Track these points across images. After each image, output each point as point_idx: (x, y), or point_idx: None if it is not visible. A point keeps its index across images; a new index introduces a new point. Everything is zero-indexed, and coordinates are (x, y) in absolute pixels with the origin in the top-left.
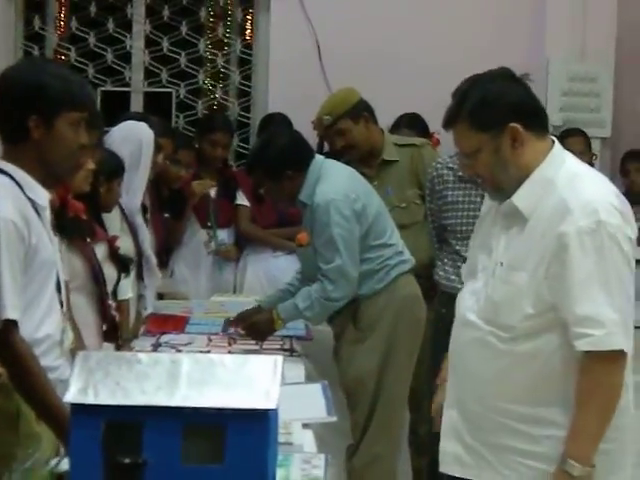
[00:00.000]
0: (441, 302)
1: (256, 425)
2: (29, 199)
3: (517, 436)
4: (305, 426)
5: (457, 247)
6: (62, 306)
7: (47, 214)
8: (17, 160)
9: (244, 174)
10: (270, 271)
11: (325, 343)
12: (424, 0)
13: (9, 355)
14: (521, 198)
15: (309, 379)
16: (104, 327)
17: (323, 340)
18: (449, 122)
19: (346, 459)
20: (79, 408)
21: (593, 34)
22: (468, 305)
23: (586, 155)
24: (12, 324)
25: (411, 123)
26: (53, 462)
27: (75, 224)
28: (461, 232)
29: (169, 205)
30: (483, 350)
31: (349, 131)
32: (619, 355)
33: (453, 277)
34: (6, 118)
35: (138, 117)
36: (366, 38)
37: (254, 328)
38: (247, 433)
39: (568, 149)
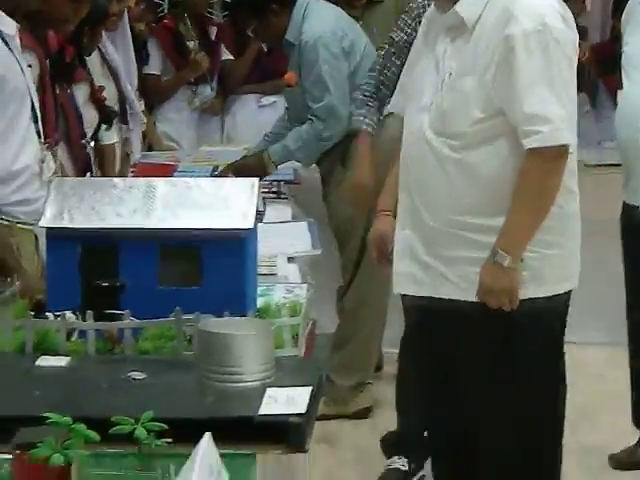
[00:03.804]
0: None
1: (232, 245)
2: None
3: (473, 246)
4: (290, 260)
5: None
6: (40, 137)
7: (16, 42)
8: None
9: (225, 27)
10: (257, 121)
11: (313, 187)
12: None
13: None
14: (464, 6)
15: (296, 220)
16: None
17: (311, 184)
18: None
19: (337, 300)
20: (55, 232)
21: None
22: (417, 121)
23: None
24: None
25: None
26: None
27: (67, 70)
28: None
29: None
30: (436, 163)
31: None
32: (563, 152)
33: None
34: None
35: None
36: None
37: (245, 172)
38: (224, 254)
39: None
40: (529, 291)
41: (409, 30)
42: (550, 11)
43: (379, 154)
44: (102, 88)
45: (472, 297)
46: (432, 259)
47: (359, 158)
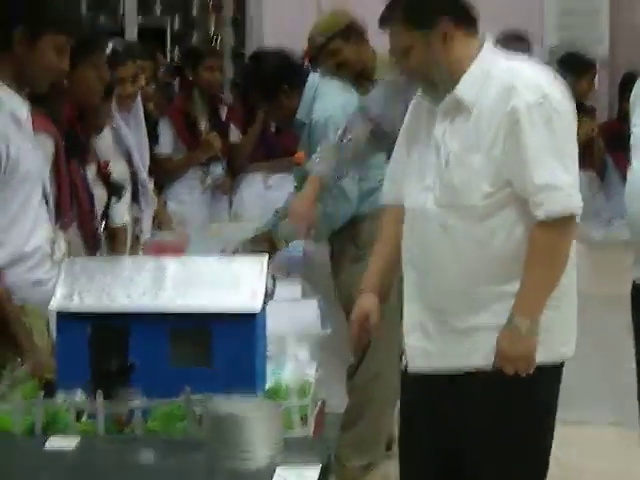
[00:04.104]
0: None
1: (242, 327)
2: (8, 111)
3: (480, 314)
4: (300, 339)
5: None
6: (52, 218)
7: (28, 126)
8: None
9: (235, 107)
10: (264, 200)
11: (322, 264)
12: None
13: None
14: (463, 90)
15: (305, 298)
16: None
17: (320, 261)
18: (384, 21)
19: (347, 379)
20: (65, 314)
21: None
22: (420, 200)
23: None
24: None
25: None
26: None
27: (79, 147)
28: None
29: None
30: (445, 235)
31: (340, 51)
32: (574, 217)
33: None
34: None
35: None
36: None
37: (255, 249)
38: (233, 335)
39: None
40: (539, 355)
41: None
42: (549, 84)
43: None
44: (107, 163)
45: (481, 363)
46: (442, 331)
47: (304, 194)
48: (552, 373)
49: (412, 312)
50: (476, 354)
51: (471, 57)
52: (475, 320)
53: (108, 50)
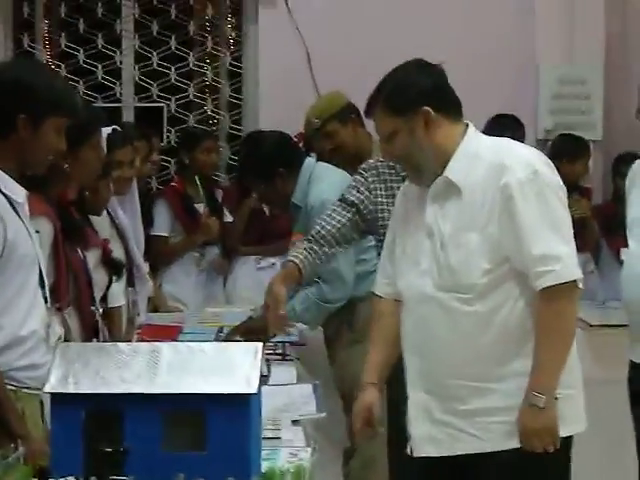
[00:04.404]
0: None
1: (237, 410)
2: (5, 196)
3: (487, 396)
4: (294, 423)
5: None
6: (46, 301)
7: (25, 210)
8: None
9: (230, 190)
10: (256, 282)
11: (318, 348)
12: (412, 7)
13: None
14: (452, 171)
15: (301, 382)
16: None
17: (316, 345)
18: (369, 110)
19: (343, 463)
20: (59, 397)
21: (582, 36)
22: (418, 285)
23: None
24: None
25: None
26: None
27: (74, 231)
28: None
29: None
30: (447, 318)
31: (337, 133)
32: (575, 286)
33: None
34: None
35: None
36: (356, 47)
37: (251, 334)
38: (228, 419)
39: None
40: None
41: (363, 189)
42: (538, 160)
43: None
44: (107, 241)
45: (492, 448)
46: (449, 416)
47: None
48: (564, 445)
49: (416, 399)
50: (488, 436)
51: (456, 141)
52: (483, 403)
53: (106, 132)
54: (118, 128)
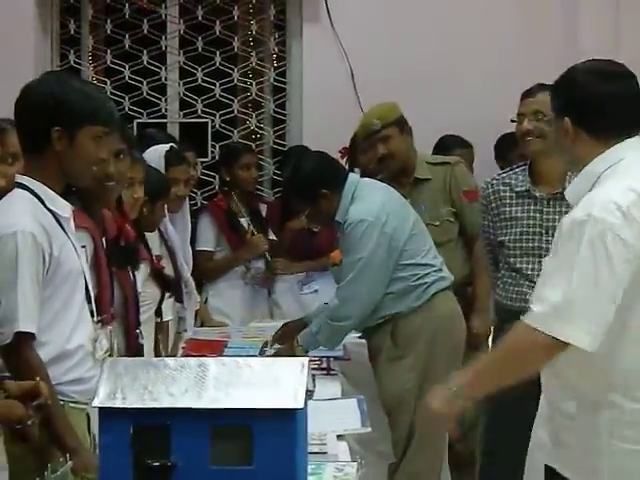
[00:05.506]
0: (502, 319)
1: (283, 425)
2: (50, 211)
3: None
4: (340, 437)
5: (517, 265)
6: (93, 315)
7: (71, 225)
8: (38, 172)
9: (274, 205)
10: (298, 298)
11: (363, 363)
12: (454, 21)
13: (21, 367)
14: (569, 189)
15: (345, 397)
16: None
17: (361, 360)
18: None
19: (388, 478)
20: (108, 412)
21: (626, 48)
22: None
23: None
24: (27, 336)
25: (462, 143)
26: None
27: (127, 253)
28: (520, 248)
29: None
30: None
31: (394, 139)
32: (552, 346)
33: (514, 296)
34: (30, 129)
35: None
36: (399, 62)
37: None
38: (275, 433)
39: None
40: None
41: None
42: (606, 203)
43: None
44: (160, 257)
45: None
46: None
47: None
48: None
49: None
50: None
51: (586, 159)
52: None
53: (163, 150)
54: (175, 146)
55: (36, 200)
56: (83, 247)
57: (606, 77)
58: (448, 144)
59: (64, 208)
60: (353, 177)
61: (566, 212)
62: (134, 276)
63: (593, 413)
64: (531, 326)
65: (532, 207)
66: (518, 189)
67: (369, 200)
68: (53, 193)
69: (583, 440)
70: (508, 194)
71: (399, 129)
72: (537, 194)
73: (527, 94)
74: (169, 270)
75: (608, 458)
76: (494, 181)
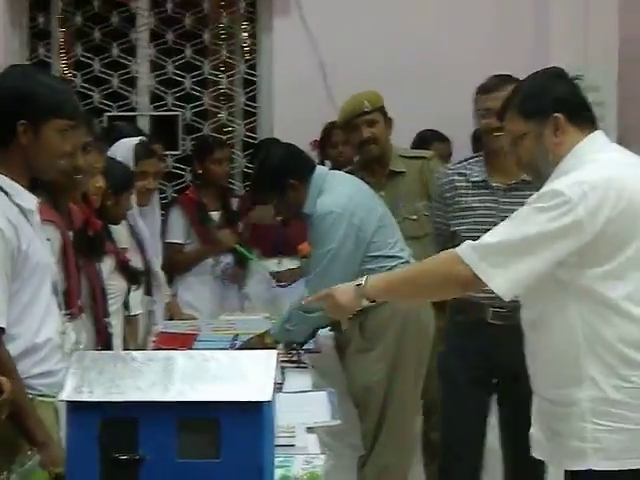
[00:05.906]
0: (455, 309)
1: (251, 417)
2: (16, 205)
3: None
4: (309, 430)
5: None
6: (61, 309)
7: (36, 218)
8: (3, 165)
9: (245, 198)
10: (270, 294)
11: (333, 355)
12: (428, 15)
13: None
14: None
15: (315, 389)
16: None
17: (332, 352)
18: (503, 111)
19: (358, 470)
20: (75, 406)
21: (595, 42)
22: None
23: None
24: None
25: (440, 137)
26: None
27: (94, 243)
28: (475, 238)
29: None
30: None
31: (379, 124)
32: (470, 278)
33: None
34: None
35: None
36: (370, 54)
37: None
38: (242, 426)
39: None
40: (590, 462)
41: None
42: (574, 181)
43: None
44: (125, 250)
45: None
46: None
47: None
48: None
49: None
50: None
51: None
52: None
53: (133, 143)
54: (145, 139)
55: (2, 194)
56: (48, 240)
57: (562, 76)
58: (426, 138)
59: (30, 201)
60: (321, 169)
61: (522, 203)
62: (100, 270)
63: (574, 395)
64: (460, 257)
65: (488, 197)
66: (474, 179)
67: (337, 192)
68: (19, 186)
69: (569, 424)
70: (464, 184)
71: (384, 117)
72: (493, 184)
73: (492, 88)
74: (138, 263)
75: (592, 438)
76: (448, 171)
